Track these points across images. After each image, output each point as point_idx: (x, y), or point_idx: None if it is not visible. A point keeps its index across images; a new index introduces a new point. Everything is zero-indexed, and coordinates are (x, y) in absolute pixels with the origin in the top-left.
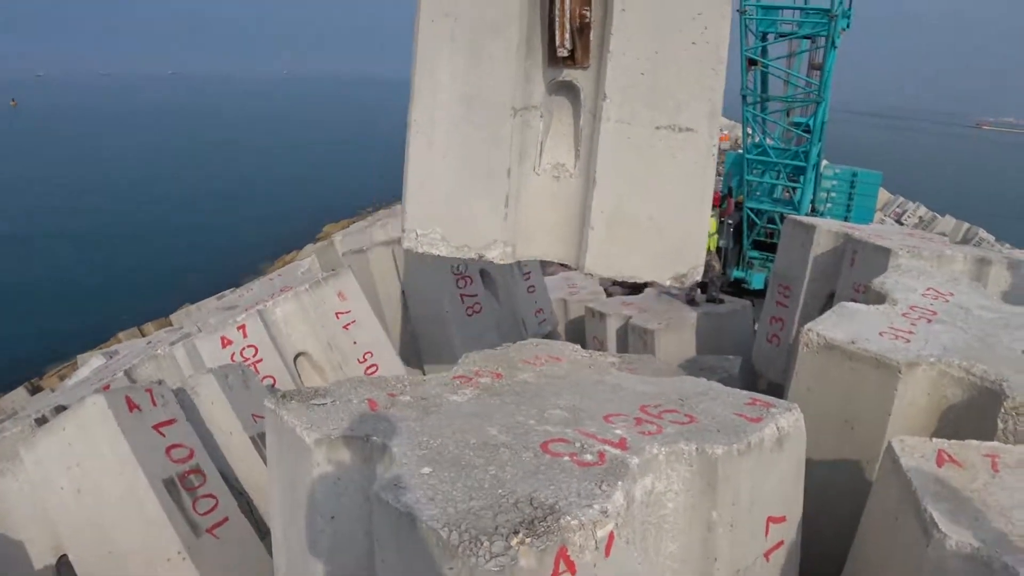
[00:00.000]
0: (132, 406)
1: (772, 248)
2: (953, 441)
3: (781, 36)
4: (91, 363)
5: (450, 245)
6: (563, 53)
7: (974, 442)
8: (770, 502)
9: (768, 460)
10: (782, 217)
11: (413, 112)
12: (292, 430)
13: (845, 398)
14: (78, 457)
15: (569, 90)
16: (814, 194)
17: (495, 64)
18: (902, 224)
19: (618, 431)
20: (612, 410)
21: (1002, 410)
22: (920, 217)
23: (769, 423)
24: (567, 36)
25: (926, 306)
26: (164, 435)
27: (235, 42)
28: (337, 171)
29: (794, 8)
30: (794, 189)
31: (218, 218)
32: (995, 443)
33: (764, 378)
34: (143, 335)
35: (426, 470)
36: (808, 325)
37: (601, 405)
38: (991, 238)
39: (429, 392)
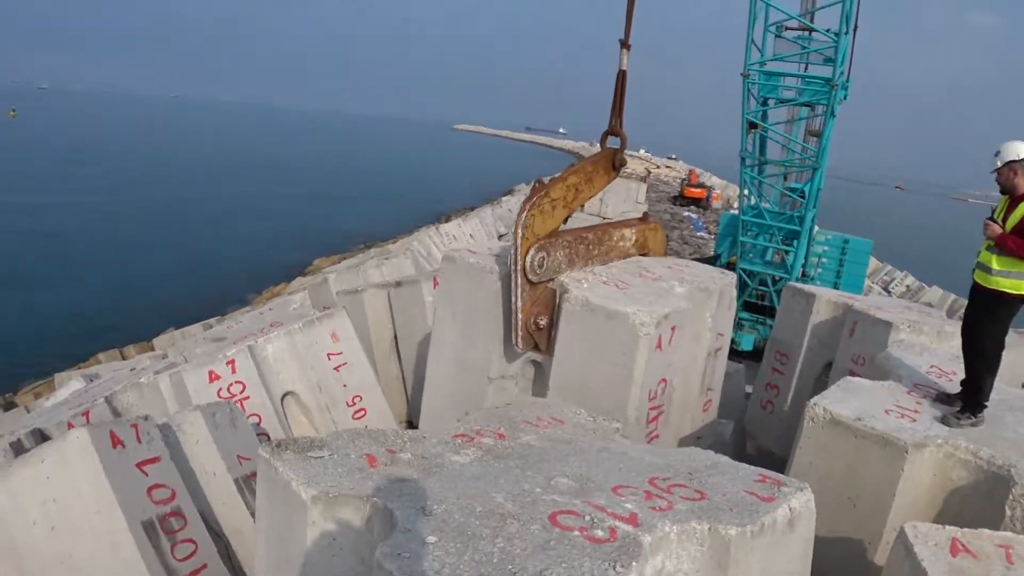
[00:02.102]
0: (116, 442)
1: (762, 310)
2: (966, 530)
3: (781, 102)
4: (70, 385)
5: None
6: (519, 349)
7: (987, 531)
8: None
9: (779, 541)
10: (773, 279)
11: (428, 367)
12: (287, 483)
13: (849, 474)
14: (55, 492)
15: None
16: (805, 259)
17: (479, 344)
18: (889, 292)
19: (628, 505)
20: (620, 481)
21: (1010, 497)
22: (907, 286)
23: (782, 504)
24: (519, 337)
25: (929, 384)
26: (147, 474)
27: (241, 69)
28: (328, 205)
29: (796, 75)
30: (787, 252)
31: (206, 243)
32: (1009, 534)
33: (755, 443)
34: (124, 358)
35: (432, 539)
36: (814, 400)
37: (608, 475)
38: None
39: (430, 450)
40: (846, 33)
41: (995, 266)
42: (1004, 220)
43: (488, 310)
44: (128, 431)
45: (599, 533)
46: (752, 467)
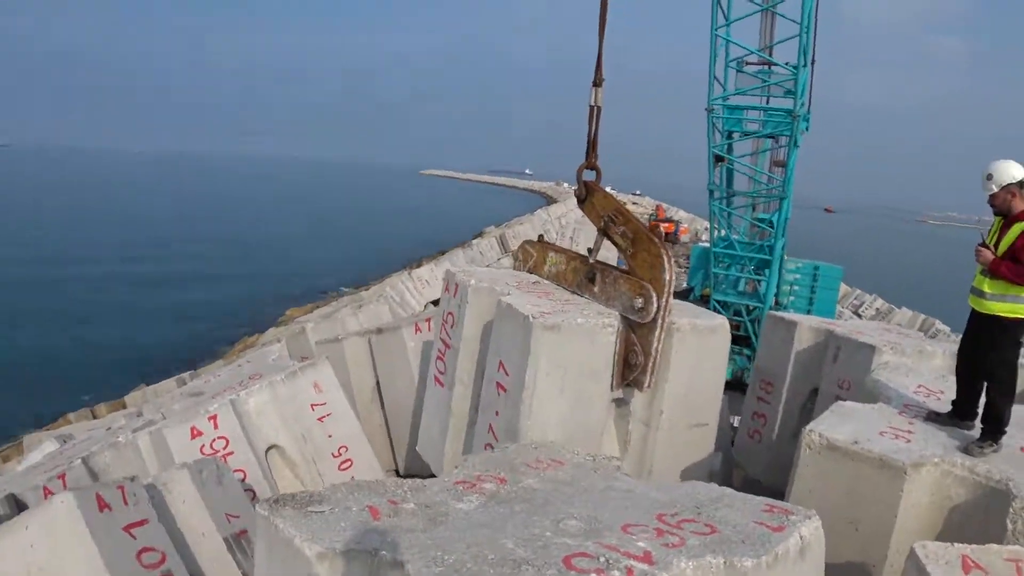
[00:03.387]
0: (103, 505)
1: (738, 340)
2: (974, 546)
3: (746, 135)
4: (43, 447)
5: None
6: (616, 395)
7: (995, 547)
8: None
9: (792, 570)
10: (748, 309)
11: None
12: (289, 541)
13: (849, 498)
14: (41, 560)
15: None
16: (778, 287)
17: (596, 403)
18: (860, 316)
19: (640, 543)
20: (629, 520)
21: (1011, 510)
22: (877, 309)
23: (792, 533)
24: (649, 380)
25: (919, 404)
26: (135, 537)
27: (202, 120)
28: (298, 253)
29: (758, 108)
30: (759, 282)
31: (173, 298)
32: (1016, 547)
33: (742, 473)
34: (95, 417)
35: None
36: (809, 426)
37: (616, 514)
38: (947, 329)
39: (432, 499)
40: (804, 65)
41: (987, 290)
42: (997, 243)
43: (602, 368)
44: (115, 493)
45: (616, 574)
46: (758, 497)
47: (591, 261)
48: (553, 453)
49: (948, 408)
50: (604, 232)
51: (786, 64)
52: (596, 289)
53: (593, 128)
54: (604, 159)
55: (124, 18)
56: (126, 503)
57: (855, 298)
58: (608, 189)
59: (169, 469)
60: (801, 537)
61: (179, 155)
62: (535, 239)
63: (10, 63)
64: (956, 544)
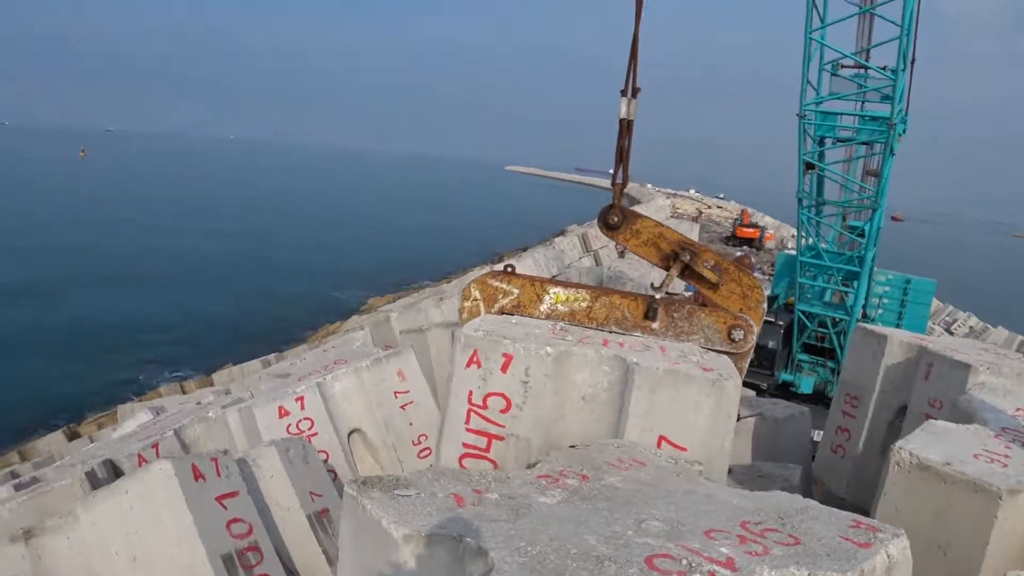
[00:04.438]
0: (198, 475)
1: (822, 352)
2: None
3: (839, 141)
4: (137, 417)
5: None
6: None
7: None
8: None
9: None
10: (833, 321)
11: None
12: (377, 522)
13: (938, 522)
14: (137, 523)
15: None
16: (866, 299)
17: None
18: (952, 333)
19: (723, 549)
20: (711, 525)
21: None
22: (971, 327)
23: (879, 550)
24: None
25: (1018, 428)
26: (226, 507)
27: (296, 110)
28: (382, 244)
29: (853, 115)
30: (846, 294)
31: (262, 282)
32: None
33: (823, 488)
34: (184, 392)
35: None
36: (899, 443)
37: (698, 519)
38: None
39: (516, 491)
40: (903, 69)
41: None
42: None
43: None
44: (208, 465)
45: None
46: (845, 512)
47: (658, 296)
48: (635, 453)
49: None
50: (682, 264)
51: (883, 68)
52: (656, 326)
53: (624, 145)
54: (687, 160)
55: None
56: (219, 474)
57: (947, 315)
58: (692, 192)
59: (258, 446)
60: (888, 555)
61: (270, 143)
62: (501, 269)
63: (14, 45)
64: None
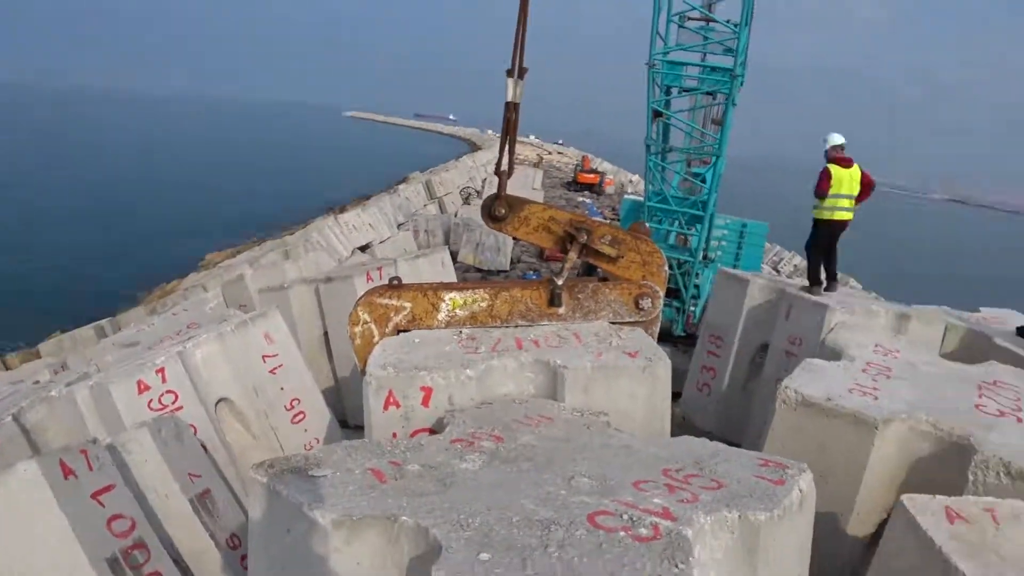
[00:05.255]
0: (67, 472)
1: (668, 293)
2: (954, 498)
3: (684, 91)
4: None
5: None
6: None
7: (972, 498)
8: (791, 562)
9: (795, 523)
10: (679, 263)
11: None
12: (296, 507)
13: (820, 453)
14: (3, 536)
15: None
16: (707, 242)
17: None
18: (779, 272)
19: (656, 500)
20: (637, 476)
21: (972, 464)
22: (795, 266)
23: (793, 487)
24: None
25: (880, 362)
26: (103, 504)
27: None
28: (215, 194)
29: (699, 65)
30: (689, 237)
31: (82, 238)
32: (988, 498)
33: (690, 423)
34: (7, 368)
35: (484, 556)
36: (784, 382)
37: (624, 472)
38: (859, 286)
39: (435, 459)
40: (746, 24)
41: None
42: None
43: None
44: (78, 458)
45: (643, 531)
46: (750, 452)
47: (560, 282)
48: (540, 409)
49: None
50: (580, 244)
51: (727, 22)
52: (563, 311)
53: (510, 128)
54: (526, 108)
55: None
56: (90, 468)
57: (774, 254)
58: (532, 138)
59: (128, 429)
60: (800, 490)
61: (81, 90)
62: (386, 284)
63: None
64: (937, 496)
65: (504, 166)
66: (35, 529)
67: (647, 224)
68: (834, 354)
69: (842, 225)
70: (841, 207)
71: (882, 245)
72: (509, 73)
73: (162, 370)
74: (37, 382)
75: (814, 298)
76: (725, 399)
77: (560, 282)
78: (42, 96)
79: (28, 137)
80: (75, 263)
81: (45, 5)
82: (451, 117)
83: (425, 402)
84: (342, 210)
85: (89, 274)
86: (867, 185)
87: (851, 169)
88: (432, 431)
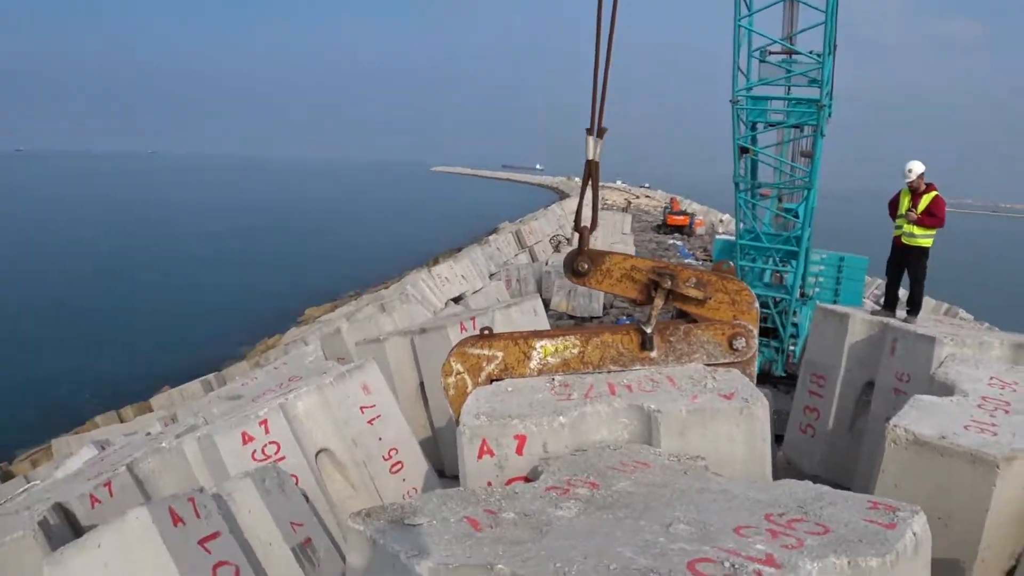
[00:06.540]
0: (176, 519)
1: (765, 332)
2: None
3: (770, 125)
4: (81, 452)
5: None
6: None
7: None
8: None
9: (910, 567)
10: (775, 301)
11: None
12: (394, 557)
13: (936, 495)
14: None
15: None
16: (803, 279)
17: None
18: (879, 305)
19: (759, 546)
20: (738, 522)
21: None
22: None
23: (905, 530)
24: None
25: (997, 396)
26: (210, 551)
27: (215, 123)
28: (312, 252)
29: (783, 99)
30: (785, 274)
31: (188, 299)
32: None
33: (795, 468)
34: (122, 420)
35: None
36: (893, 420)
37: (723, 516)
38: (970, 317)
39: (529, 507)
40: (829, 54)
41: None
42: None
43: None
44: (186, 506)
45: None
46: (858, 494)
47: (648, 331)
48: (636, 454)
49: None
50: (665, 290)
51: (810, 52)
52: (655, 355)
53: (591, 185)
54: (610, 153)
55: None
56: (198, 515)
57: (876, 288)
58: (619, 183)
59: (232, 478)
60: (914, 534)
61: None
62: (478, 334)
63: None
64: None
65: (585, 221)
66: (145, 574)
67: (734, 263)
68: (946, 389)
69: (906, 248)
70: (904, 229)
71: (992, 273)
72: (589, 132)
73: (265, 422)
74: (149, 433)
75: (921, 331)
76: (830, 441)
77: (649, 331)
78: (168, 163)
79: (138, 207)
80: (180, 324)
81: (177, 82)
82: (538, 167)
83: (519, 450)
84: (435, 262)
85: (194, 334)
86: (927, 214)
87: (922, 194)
88: (527, 479)
